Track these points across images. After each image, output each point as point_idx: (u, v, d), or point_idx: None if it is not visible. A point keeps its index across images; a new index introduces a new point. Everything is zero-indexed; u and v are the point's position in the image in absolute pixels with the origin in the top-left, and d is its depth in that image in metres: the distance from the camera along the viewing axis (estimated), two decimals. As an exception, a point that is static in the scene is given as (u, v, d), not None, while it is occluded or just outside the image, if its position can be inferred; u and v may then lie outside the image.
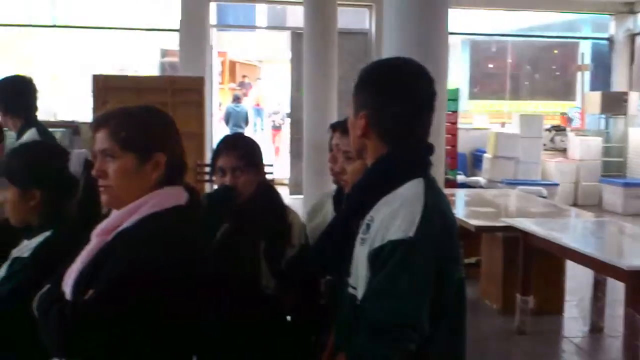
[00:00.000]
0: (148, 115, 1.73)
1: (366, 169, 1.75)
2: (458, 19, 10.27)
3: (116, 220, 1.68)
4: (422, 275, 1.54)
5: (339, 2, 7.52)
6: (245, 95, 16.65)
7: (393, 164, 1.67)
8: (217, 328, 2.21)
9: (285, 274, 2.41)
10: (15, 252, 1.98)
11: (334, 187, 2.58)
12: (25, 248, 1.96)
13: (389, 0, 3.87)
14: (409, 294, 1.52)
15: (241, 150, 2.44)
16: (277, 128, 16.12)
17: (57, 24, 10.52)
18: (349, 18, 9.83)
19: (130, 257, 1.58)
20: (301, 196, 7.87)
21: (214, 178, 2.48)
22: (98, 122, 1.69)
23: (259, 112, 17.18)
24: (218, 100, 13.06)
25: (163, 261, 1.59)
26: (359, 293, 1.63)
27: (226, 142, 2.51)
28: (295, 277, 2.39)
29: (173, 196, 1.71)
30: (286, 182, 9.82)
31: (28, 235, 2.01)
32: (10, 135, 3.59)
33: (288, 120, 10.46)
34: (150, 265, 1.57)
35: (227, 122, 13.39)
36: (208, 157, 9.36)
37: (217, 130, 11.19)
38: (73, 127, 8.64)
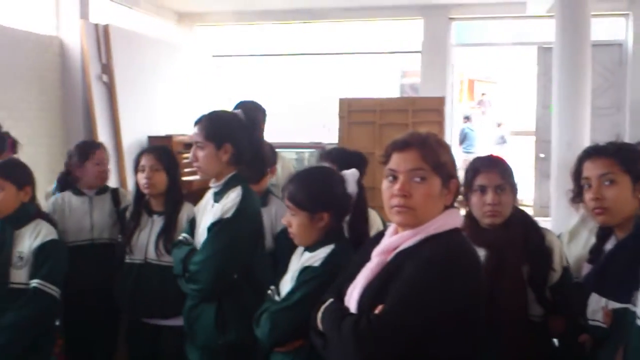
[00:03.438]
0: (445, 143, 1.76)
1: None
2: None
3: (399, 240, 1.71)
4: None
5: (592, 13, 7.02)
6: (483, 113, 16.33)
7: None
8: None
9: (552, 301, 2.27)
10: (305, 262, 2.09)
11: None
12: (313, 258, 2.07)
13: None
14: None
15: (501, 168, 2.36)
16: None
17: (305, 52, 11.23)
18: (601, 29, 9.17)
19: (423, 275, 1.59)
20: (548, 219, 7.42)
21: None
22: (407, 143, 1.71)
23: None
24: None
25: (458, 277, 1.59)
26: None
27: (484, 160, 2.42)
28: (563, 302, 2.25)
29: (454, 219, 1.71)
30: (528, 203, 9.39)
31: (310, 249, 2.12)
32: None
33: (533, 138, 9.98)
34: (445, 280, 1.57)
35: (461, 143, 13.18)
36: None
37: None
38: (320, 148, 9.15)
